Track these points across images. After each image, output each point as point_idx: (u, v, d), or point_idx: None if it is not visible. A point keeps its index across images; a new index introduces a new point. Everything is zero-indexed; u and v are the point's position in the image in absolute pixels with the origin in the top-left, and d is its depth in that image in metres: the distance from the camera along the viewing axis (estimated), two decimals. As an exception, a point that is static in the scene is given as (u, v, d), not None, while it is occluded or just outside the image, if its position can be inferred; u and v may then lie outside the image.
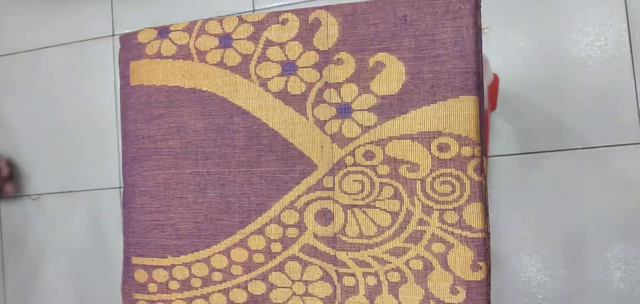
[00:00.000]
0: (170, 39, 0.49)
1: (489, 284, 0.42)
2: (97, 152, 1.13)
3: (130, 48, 0.51)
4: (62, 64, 1.17)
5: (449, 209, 0.42)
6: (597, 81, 0.85)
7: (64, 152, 1.15)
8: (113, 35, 1.15)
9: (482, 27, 0.42)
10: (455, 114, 0.42)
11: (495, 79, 0.85)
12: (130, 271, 0.51)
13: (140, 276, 0.50)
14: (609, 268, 0.84)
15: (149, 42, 0.50)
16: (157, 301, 0.49)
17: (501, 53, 0.91)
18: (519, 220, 0.89)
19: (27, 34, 1.20)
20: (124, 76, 0.52)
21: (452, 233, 0.42)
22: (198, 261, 0.48)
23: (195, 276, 0.48)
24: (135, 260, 0.50)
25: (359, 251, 0.44)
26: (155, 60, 0.50)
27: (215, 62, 0.48)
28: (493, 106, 0.89)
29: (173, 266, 0.49)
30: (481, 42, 0.42)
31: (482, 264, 0.41)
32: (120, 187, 1.11)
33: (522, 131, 0.91)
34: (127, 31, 0.50)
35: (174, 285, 0.48)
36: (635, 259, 0.83)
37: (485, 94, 0.62)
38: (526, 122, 0.88)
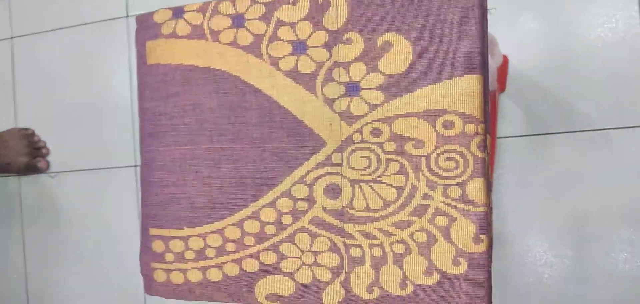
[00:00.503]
0: (185, 19, 0.51)
1: (490, 257, 0.43)
2: (112, 131, 1.15)
3: (146, 28, 0.53)
4: (77, 45, 1.19)
5: (452, 184, 0.42)
6: (608, 62, 0.84)
7: (79, 131, 1.18)
8: (127, 16, 1.17)
9: (488, 7, 0.43)
10: (460, 92, 0.42)
11: (505, 60, 0.85)
12: (148, 241, 0.53)
13: (157, 246, 0.52)
14: (614, 250, 0.84)
15: (164, 22, 0.52)
16: (174, 270, 0.51)
17: (511, 34, 0.90)
18: (526, 201, 0.89)
19: (42, 15, 1.22)
20: (141, 55, 0.54)
21: (455, 207, 0.43)
22: (212, 232, 0.49)
23: (210, 246, 0.49)
24: (153, 231, 0.53)
25: (366, 224, 0.45)
26: (170, 40, 0.51)
27: (229, 42, 0.48)
28: (502, 88, 0.89)
29: (189, 236, 0.50)
30: (487, 23, 0.43)
31: (483, 237, 0.43)
32: (135, 166, 1.14)
33: (531, 112, 0.90)
34: (140, 12, 0.52)
35: (189, 255, 0.50)
36: (640, 239, 0.83)
37: (494, 75, 0.63)
38: (536, 103, 0.87)
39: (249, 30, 0.48)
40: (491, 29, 0.49)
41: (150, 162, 0.53)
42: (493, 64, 0.68)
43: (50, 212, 1.20)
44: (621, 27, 0.84)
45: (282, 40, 0.47)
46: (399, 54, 0.44)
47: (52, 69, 1.21)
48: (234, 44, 0.48)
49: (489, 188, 0.44)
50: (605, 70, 0.85)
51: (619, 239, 0.84)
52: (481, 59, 0.42)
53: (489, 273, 0.43)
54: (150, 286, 0.52)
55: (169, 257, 0.50)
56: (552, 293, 0.88)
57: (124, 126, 1.15)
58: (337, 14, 0.46)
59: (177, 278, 0.50)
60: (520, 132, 0.90)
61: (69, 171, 1.18)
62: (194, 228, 0.50)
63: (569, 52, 0.86)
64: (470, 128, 0.42)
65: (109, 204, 1.16)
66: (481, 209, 0.43)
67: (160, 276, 0.51)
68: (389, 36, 0.44)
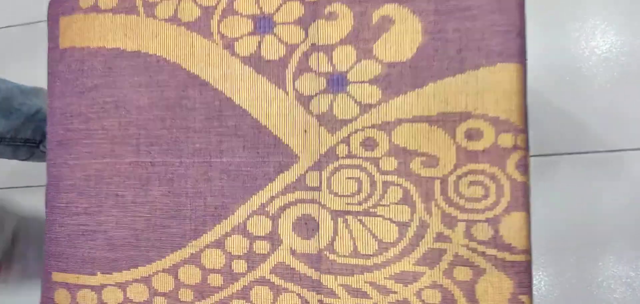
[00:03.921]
0: (111, -13, 0.39)
1: None
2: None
3: (61, 0, 0.41)
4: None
5: (480, 221, 0.33)
6: (619, 82, 0.82)
7: None
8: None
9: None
10: (490, 88, 0.32)
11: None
12: (50, 290, 0.41)
13: (61, 297, 0.41)
14: (623, 274, 0.80)
15: (83, -8, 0.40)
16: (82, 334, 0.38)
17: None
18: (533, 223, 0.86)
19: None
20: (53, 37, 0.43)
21: (484, 253, 0.33)
22: (136, 280, 0.39)
23: (131, 301, 0.39)
24: (57, 276, 0.41)
25: (353, 275, 0.35)
26: (90, 15, 0.41)
27: (167, 18, 0.39)
28: None
29: (103, 286, 0.40)
30: (526, -7, 0.32)
31: (525, 299, 0.32)
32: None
33: (537, 131, 0.88)
34: None
35: None
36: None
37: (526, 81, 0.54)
38: (542, 121, 0.85)
39: (195, 1, 0.37)
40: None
41: (57, 180, 0.41)
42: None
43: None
44: (633, 46, 0.83)
45: (240, 14, 0.38)
46: (403, 34, 0.34)
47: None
48: (174, 19, 0.39)
49: (530, 227, 0.32)
50: (617, 90, 0.82)
51: (629, 264, 0.80)
52: (520, 41, 0.33)
53: (532, 351, 0.31)
54: (48, 355, 0.39)
55: (75, 315, 0.38)
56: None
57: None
58: (317, -19, 0.35)
59: (84, 345, 0.37)
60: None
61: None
62: (110, 273, 0.40)
63: (579, 69, 0.84)
64: (506, 140, 0.33)
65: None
66: (522, 257, 0.33)
67: (62, 342, 0.38)
68: (388, 9, 0.35)
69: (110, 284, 0.39)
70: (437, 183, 0.33)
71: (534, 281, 0.82)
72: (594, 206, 0.81)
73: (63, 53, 0.41)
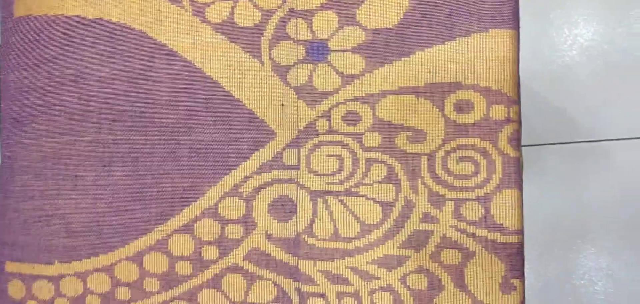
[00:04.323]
0: (69, -52, 0.36)
1: None
2: None
3: None
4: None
5: (469, 199, 0.31)
6: (602, 73, 0.84)
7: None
8: None
9: None
10: (482, 56, 0.31)
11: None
12: (3, 282, 0.38)
13: (15, 289, 0.38)
14: (611, 263, 0.82)
15: (40, -46, 0.37)
16: (38, 328, 0.35)
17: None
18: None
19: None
20: (6, 4, 0.39)
21: (474, 234, 0.31)
22: (96, 270, 0.37)
23: (92, 292, 0.37)
24: (10, 266, 0.39)
25: (333, 260, 0.33)
26: None
27: None
28: None
29: (61, 276, 0.37)
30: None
31: (516, 283, 0.30)
32: None
33: (525, 123, 0.89)
34: None
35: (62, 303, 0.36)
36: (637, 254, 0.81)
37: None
38: (526, 112, 0.86)
39: None
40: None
41: (11, 161, 0.38)
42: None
43: None
44: (617, 38, 0.85)
45: None
46: None
47: None
48: None
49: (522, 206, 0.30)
50: (600, 81, 0.84)
51: (615, 252, 0.82)
52: (514, 4, 0.31)
53: (524, 339, 0.29)
54: (0, 354, 0.37)
55: (32, 307, 0.37)
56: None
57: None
58: (296, -59, 0.33)
59: (40, 341, 0.35)
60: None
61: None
62: (69, 262, 0.37)
63: (564, 61, 0.86)
64: (499, 111, 0.31)
65: None
66: (513, 238, 0.31)
67: (15, 338, 0.36)
68: None
69: (68, 274, 0.36)
70: (424, 159, 0.31)
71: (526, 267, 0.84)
72: (579, 197, 0.82)
73: (18, 22, 0.38)
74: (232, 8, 0.33)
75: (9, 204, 0.38)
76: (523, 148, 0.84)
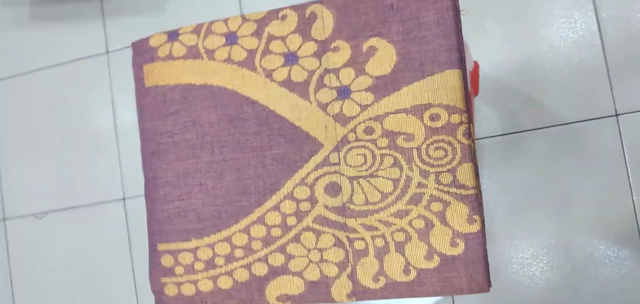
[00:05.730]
0: (180, 41, 0.53)
1: (484, 235, 0.46)
2: (99, 166, 1.15)
3: (142, 52, 0.55)
4: (60, 84, 1.20)
5: (444, 171, 0.45)
6: (571, 59, 0.88)
7: (65, 168, 1.17)
8: (107, 52, 1.18)
9: (461, 9, 0.47)
10: (442, 86, 0.45)
11: (476, 65, 0.89)
12: (157, 257, 0.54)
13: (166, 260, 0.53)
14: (593, 236, 0.87)
15: (160, 46, 0.54)
16: (185, 283, 0.53)
17: (480, 40, 0.95)
18: (506, 196, 0.91)
19: (24, 57, 1.23)
20: (138, 79, 0.56)
21: (448, 192, 0.45)
22: (220, 240, 0.50)
23: (218, 255, 0.51)
24: (161, 246, 0.54)
25: (367, 217, 0.47)
26: (167, 61, 0.54)
27: (224, 59, 0.51)
28: (475, 91, 0.92)
29: (197, 248, 0.51)
30: (460, 22, 0.47)
31: (476, 217, 0.45)
32: (123, 199, 1.14)
33: (504, 113, 0.93)
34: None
35: (199, 266, 0.51)
36: (615, 224, 0.85)
37: (467, 78, 0.67)
38: (507, 104, 0.91)
39: (242, 46, 0.51)
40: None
41: (154, 180, 0.54)
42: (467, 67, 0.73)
43: (38, 254, 1.18)
44: (580, 25, 0.89)
45: (274, 53, 0.49)
46: (384, 57, 0.47)
47: (36, 109, 1.20)
48: (228, 60, 0.51)
49: (476, 172, 0.47)
50: (569, 67, 0.88)
51: (598, 227, 0.87)
52: (459, 54, 0.46)
53: (485, 251, 0.46)
54: (162, 301, 0.53)
55: (179, 270, 0.52)
56: (538, 284, 0.90)
57: (110, 160, 1.15)
58: (324, 25, 0.49)
59: (188, 289, 0.51)
60: (495, 132, 0.94)
61: (55, 210, 1.17)
62: (201, 238, 0.51)
63: (534, 53, 0.90)
64: (455, 118, 0.46)
65: (99, 240, 1.15)
66: (472, 191, 0.46)
67: (171, 290, 0.52)
68: (373, 41, 0.47)
69: (201, 246, 0.50)
70: (415, 151, 0.45)
71: (520, 243, 0.93)
72: (557, 173, 0.86)
73: (148, 90, 0.55)
74: (289, 71, 0.49)
75: (155, 206, 0.53)
76: (509, 135, 0.92)
